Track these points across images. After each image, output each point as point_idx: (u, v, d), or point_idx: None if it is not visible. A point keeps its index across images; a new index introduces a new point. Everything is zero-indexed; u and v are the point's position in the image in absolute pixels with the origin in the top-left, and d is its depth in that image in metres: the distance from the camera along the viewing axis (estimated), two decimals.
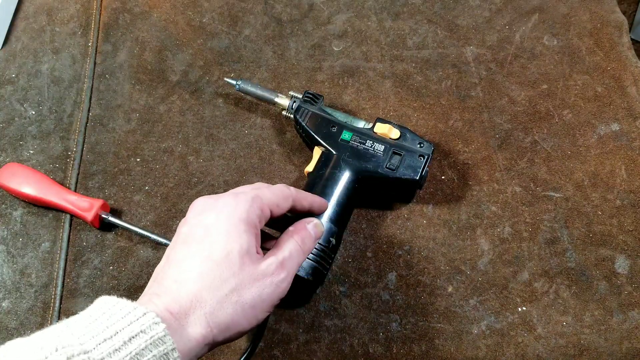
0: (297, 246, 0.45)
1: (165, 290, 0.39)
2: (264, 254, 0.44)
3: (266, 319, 0.45)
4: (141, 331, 0.34)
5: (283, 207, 0.46)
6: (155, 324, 0.34)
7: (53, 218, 0.61)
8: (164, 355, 0.34)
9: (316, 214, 0.51)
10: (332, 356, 0.54)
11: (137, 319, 0.34)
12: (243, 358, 0.52)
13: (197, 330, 0.37)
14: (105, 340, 0.33)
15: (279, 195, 0.45)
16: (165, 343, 0.34)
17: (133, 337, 0.33)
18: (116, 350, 0.33)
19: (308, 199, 0.49)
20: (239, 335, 0.40)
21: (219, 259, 0.40)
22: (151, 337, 0.34)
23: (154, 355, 0.34)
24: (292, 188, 0.47)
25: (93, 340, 0.33)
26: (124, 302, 0.36)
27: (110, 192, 0.62)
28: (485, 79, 0.67)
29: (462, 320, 0.55)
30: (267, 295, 0.40)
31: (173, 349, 0.35)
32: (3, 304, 0.57)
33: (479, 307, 0.56)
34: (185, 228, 0.42)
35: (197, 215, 0.43)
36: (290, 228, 0.47)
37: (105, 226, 0.60)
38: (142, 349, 0.33)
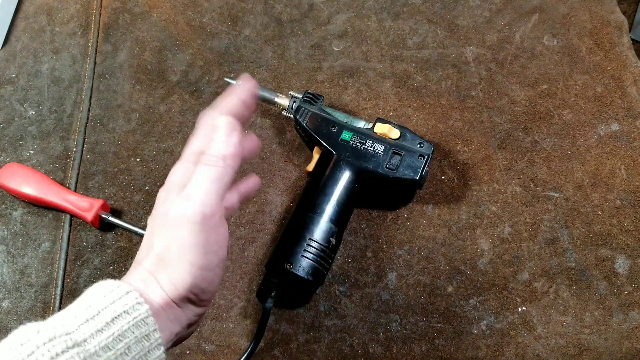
0: (202, 172, 0.39)
1: (130, 270, 0.39)
2: None
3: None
4: (124, 311, 0.34)
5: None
6: (139, 303, 0.34)
7: (53, 218, 0.61)
8: (146, 337, 0.34)
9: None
10: (332, 356, 0.54)
11: (120, 298, 0.34)
12: (243, 358, 0.52)
13: (155, 293, 0.36)
14: (87, 320, 0.33)
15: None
16: (147, 324, 0.34)
17: (116, 318, 0.33)
18: (98, 331, 0.33)
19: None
20: (196, 288, 0.37)
21: (156, 226, 0.39)
22: (134, 319, 0.34)
23: (135, 337, 0.34)
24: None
25: (75, 321, 0.33)
26: (109, 281, 0.36)
27: (110, 192, 0.62)
28: (485, 79, 0.67)
29: (462, 320, 0.55)
30: (185, 237, 0.37)
31: (154, 330, 0.34)
32: (3, 304, 0.57)
33: (479, 307, 0.56)
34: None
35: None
36: None
37: (105, 226, 0.60)
38: (125, 330, 0.33)
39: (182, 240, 0.37)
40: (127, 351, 0.33)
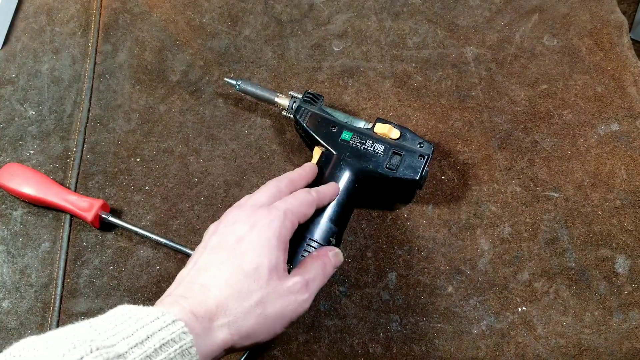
0: (320, 270, 0.46)
1: (192, 293, 0.40)
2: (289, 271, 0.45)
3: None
4: (171, 339, 0.35)
5: (308, 214, 0.48)
6: (184, 333, 0.35)
7: (53, 218, 0.61)
8: None
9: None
10: (332, 356, 0.54)
11: (167, 326, 0.35)
12: (243, 358, 0.52)
13: (220, 336, 0.38)
14: (137, 344, 0.34)
15: (305, 204, 0.47)
16: (190, 354, 0.35)
17: (164, 345, 0.34)
18: (148, 356, 0.33)
19: (327, 195, 0.51)
20: (256, 345, 0.41)
21: (248, 270, 0.41)
22: (180, 347, 0.35)
23: None
24: (312, 191, 0.49)
25: (124, 343, 0.33)
26: (151, 308, 0.37)
27: (110, 192, 0.62)
28: (485, 79, 0.67)
29: (462, 320, 0.55)
30: (289, 311, 0.42)
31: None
32: (3, 304, 0.57)
33: (479, 307, 0.56)
34: (217, 236, 0.44)
35: (230, 225, 0.44)
36: (314, 253, 0.49)
37: (105, 226, 0.60)
38: (172, 358, 0.34)
39: (275, 317, 0.41)
40: None
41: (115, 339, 0.33)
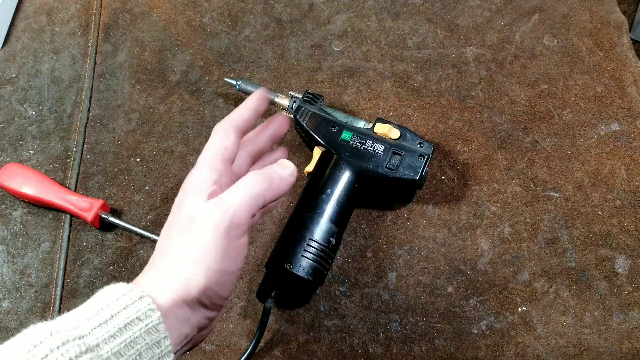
0: (250, 178, 0.40)
1: (142, 272, 0.39)
2: None
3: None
4: (137, 317, 0.34)
5: (231, 150, 0.43)
6: (151, 310, 0.34)
7: (53, 218, 0.61)
8: (157, 343, 0.34)
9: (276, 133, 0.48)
10: (332, 356, 0.54)
11: (133, 303, 0.34)
12: (243, 358, 0.52)
13: (164, 292, 0.37)
14: (100, 324, 0.33)
15: (218, 138, 0.43)
16: (158, 331, 0.34)
17: (128, 324, 0.33)
18: (112, 336, 0.33)
19: (264, 137, 0.47)
20: (209, 292, 0.38)
21: (174, 228, 0.39)
22: (146, 325, 0.34)
23: (147, 343, 0.34)
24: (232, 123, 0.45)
25: (88, 324, 0.33)
26: (121, 284, 0.36)
27: (110, 192, 0.62)
28: (485, 79, 0.67)
29: (462, 320, 0.55)
30: (209, 241, 0.38)
31: (165, 337, 0.35)
32: (3, 304, 0.57)
33: (479, 307, 0.56)
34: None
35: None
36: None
37: (105, 226, 0.60)
38: (137, 337, 0.33)
39: (204, 244, 0.37)
40: (138, 357, 0.33)
41: (79, 321, 0.33)
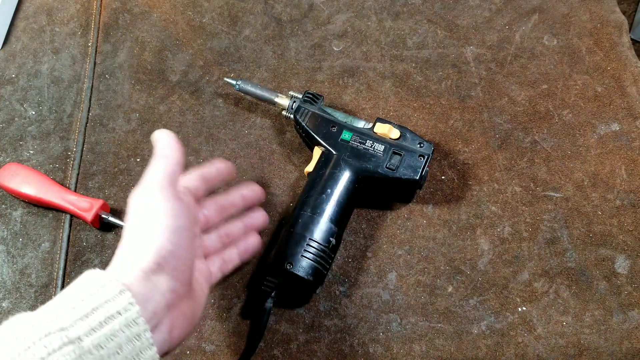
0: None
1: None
2: None
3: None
4: (117, 312, 0.34)
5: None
6: (130, 304, 0.35)
7: (53, 218, 0.61)
8: (137, 336, 0.35)
9: (249, 201, 0.52)
10: (332, 356, 0.54)
11: (114, 298, 0.35)
12: (243, 358, 0.52)
13: (123, 270, 0.38)
14: (81, 317, 0.33)
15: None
16: (138, 324, 0.35)
17: (109, 318, 0.34)
18: (93, 329, 0.33)
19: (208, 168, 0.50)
20: (159, 257, 0.39)
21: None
22: (126, 319, 0.35)
23: (127, 336, 0.34)
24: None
25: (69, 316, 0.33)
26: (99, 273, 0.37)
27: (110, 192, 0.62)
28: (485, 79, 0.67)
29: (462, 320, 0.55)
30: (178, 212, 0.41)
31: (146, 330, 0.35)
32: (3, 304, 0.57)
33: (479, 307, 0.56)
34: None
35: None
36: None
37: (105, 226, 0.60)
38: (117, 330, 0.34)
39: (152, 206, 0.40)
40: (119, 350, 0.34)
41: (61, 311, 0.33)
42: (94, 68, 0.69)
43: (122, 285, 0.36)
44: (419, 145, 0.57)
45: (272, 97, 0.62)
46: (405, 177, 0.55)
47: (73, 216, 0.60)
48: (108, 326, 0.34)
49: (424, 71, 0.68)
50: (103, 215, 0.59)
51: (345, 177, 0.55)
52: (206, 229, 0.49)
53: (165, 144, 0.44)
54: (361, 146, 0.56)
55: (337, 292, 0.57)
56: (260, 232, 0.60)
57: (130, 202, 0.41)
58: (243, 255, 0.50)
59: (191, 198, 0.45)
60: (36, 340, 0.31)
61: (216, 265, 0.48)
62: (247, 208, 0.52)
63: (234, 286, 0.57)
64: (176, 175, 0.43)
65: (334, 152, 0.56)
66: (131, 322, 0.35)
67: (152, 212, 0.40)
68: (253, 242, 0.51)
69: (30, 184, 0.60)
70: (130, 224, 0.40)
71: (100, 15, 0.73)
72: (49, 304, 0.35)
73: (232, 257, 0.49)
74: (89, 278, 0.36)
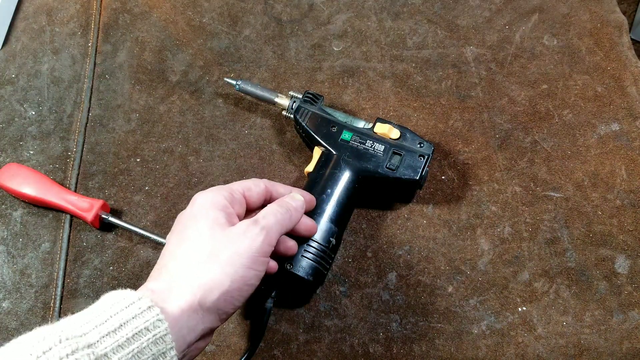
0: (274, 207, 0.45)
1: (151, 278, 0.41)
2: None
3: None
4: (145, 328, 0.34)
5: (255, 190, 0.47)
6: (159, 320, 0.35)
7: (53, 218, 0.61)
8: (162, 354, 0.35)
9: (306, 211, 0.51)
10: (332, 356, 0.54)
11: (142, 312, 0.35)
12: (243, 358, 0.52)
13: (181, 296, 0.38)
14: (109, 333, 0.33)
15: (248, 181, 0.48)
16: (165, 342, 0.35)
17: (136, 334, 0.34)
18: (119, 346, 0.33)
19: (283, 188, 0.50)
20: (228, 297, 0.40)
21: (192, 237, 0.42)
22: (154, 336, 0.34)
23: (153, 354, 0.34)
24: (265, 180, 0.49)
25: (96, 332, 0.33)
26: (129, 292, 0.37)
27: (110, 192, 0.62)
28: (485, 79, 0.67)
29: (462, 320, 0.55)
30: (244, 249, 0.41)
31: (171, 348, 0.35)
32: (3, 305, 0.57)
33: (479, 307, 0.56)
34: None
35: (179, 216, 0.45)
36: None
37: (105, 226, 0.60)
38: (144, 347, 0.34)
39: (238, 252, 0.40)
40: None
41: (88, 328, 0.33)
42: (94, 68, 0.69)
43: (151, 301, 0.36)
44: (419, 145, 0.57)
45: (272, 97, 0.62)
46: (405, 177, 0.55)
47: (73, 216, 0.60)
48: (135, 343, 0.34)
49: (424, 71, 0.68)
50: (103, 216, 0.59)
51: (345, 177, 0.55)
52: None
53: (299, 205, 0.47)
54: (361, 146, 0.56)
55: (337, 292, 0.57)
56: None
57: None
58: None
59: (267, 259, 0.45)
60: (63, 356, 0.31)
61: None
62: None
63: None
64: (282, 232, 0.44)
65: (334, 152, 0.56)
66: (159, 339, 0.35)
67: (239, 258, 0.40)
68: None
69: (30, 184, 0.60)
70: (201, 251, 0.40)
71: (100, 16, 0.73)
72: (74, 317, 0.35)
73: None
74: (118, 295, 0.36)
